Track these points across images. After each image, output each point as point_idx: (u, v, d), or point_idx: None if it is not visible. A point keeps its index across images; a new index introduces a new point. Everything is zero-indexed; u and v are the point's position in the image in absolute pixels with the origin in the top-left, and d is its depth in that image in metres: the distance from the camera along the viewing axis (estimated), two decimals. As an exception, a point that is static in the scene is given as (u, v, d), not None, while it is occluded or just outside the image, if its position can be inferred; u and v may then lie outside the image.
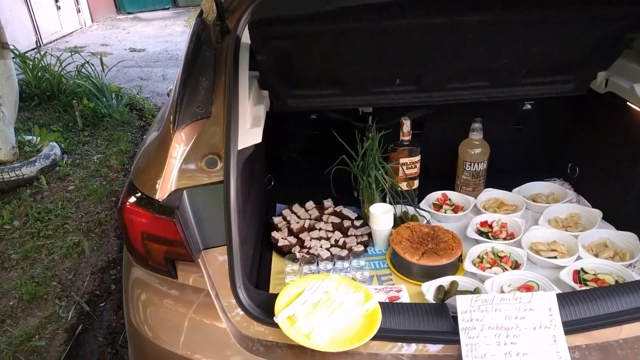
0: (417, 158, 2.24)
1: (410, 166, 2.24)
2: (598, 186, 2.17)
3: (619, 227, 2.01)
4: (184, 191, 1.47)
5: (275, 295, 1.52)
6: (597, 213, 2.08)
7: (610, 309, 1.47)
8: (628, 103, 1.87)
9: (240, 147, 1.56)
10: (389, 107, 2.18)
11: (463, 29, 1.74)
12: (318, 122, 2.46)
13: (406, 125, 2.15)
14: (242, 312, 1.46)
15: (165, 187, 1.47)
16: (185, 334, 1.47)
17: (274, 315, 1.44)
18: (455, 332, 1.43)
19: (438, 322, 1.47)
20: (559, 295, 1.47)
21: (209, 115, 1.57)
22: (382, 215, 2.00)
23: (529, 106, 2.28)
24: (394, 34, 1.76)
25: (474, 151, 2.27)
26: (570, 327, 1.43)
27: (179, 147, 1.52)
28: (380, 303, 1.53)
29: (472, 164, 2.29)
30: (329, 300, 1.53)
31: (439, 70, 1.93)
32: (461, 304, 1.44)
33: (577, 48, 1.83)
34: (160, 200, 1.45)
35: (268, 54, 1.78)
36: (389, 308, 1.52)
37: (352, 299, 1.53)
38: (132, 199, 1.48)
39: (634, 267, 1.83)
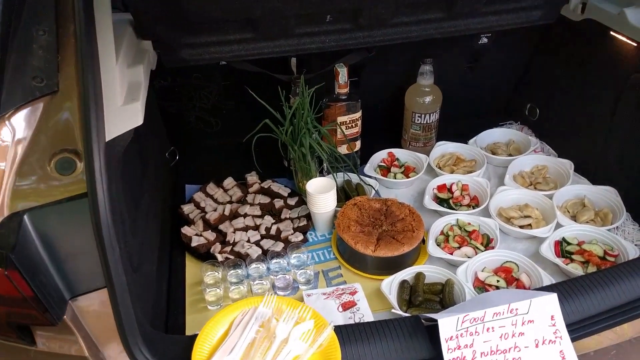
0: (358, 114, 1.80)
1: (350, 125, 1.80)
2: (566, 132, 1.87)
3: (593, 181, 1.74)
4: (25, 216, 0.95)
5: (192, 340, 1.08)
6: (568, 164, 1.79)
7: (617, 300, 1.18)
8: (612, 33, 1.52)
9: (110, 137, 1.04)
10: (318, 53, 1.69)
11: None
12: (230, 70, 1.91)
13: (342, 74, 1.68)
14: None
15: (-10, 214, 0.93)
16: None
17: (190, 377, 1.01)
18: (439, 357, 1.09)
19: (414, 346, 1.12)
20: (558, 293, 1.15)
21: (55, 90, 1.03)
22: (322, 195, 1.57)
23: (485, 40, 1.88)
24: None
25: (424, 99, 1.87)
26: (576, 334, 1.14)
27: (10, 146, 0.97)
28: (336, 329, 1.14)
29: (423, 115, 1.89)
30: (267, 338, 1.11)
31: (384, 1, 1.45)
32: (444, 329, 1.08)
33: None
34: None
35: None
36: (349, 334, 1.14)
37: (298, 331, 1.12)
38: None
39: (618, 228, 1.57)
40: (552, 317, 1.13)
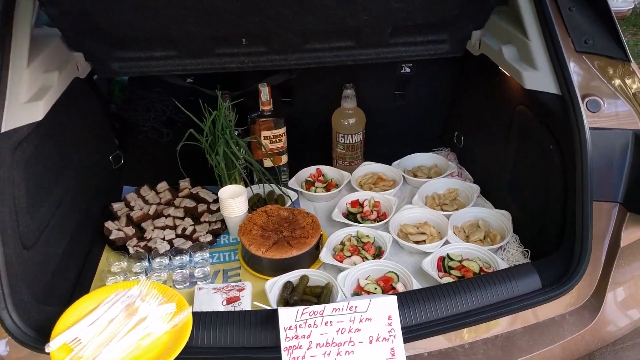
0: (282, 130, 1.95)
1: (274, 140, 1.95)
2: (478, 158, 1.98)
3: (496, 205, 1.84)
4: None
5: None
6: (475, 189, 1.90)
7: (454, 310, 1.28)
8: (500, 67, 1.64)
9: (7, 128, 1.22)
10: (249, 72, 1.86)
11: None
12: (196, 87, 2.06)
13: (264, 92, 1.85)
14: (7, 339, 1.16)
15: None
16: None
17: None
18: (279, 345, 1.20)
19: (262, 335, 1.23)
20: (400, 298, 1.26)
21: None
22: (230, 200, 1.71)
23: (407, 69, 2.03)
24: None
25: (348, 121, 2.01)
26: (411, 334, 1.24)
27: None
28: (196, 314, 1.27)
29: (346, 136, 2.03)
30: (130, 315, 1.24)
31: (289, 28, 1.62)
32: (284, 318, 1.20)
33: (442, 3, 1.57)
34: None
35: (59, 6, 1.40)
36: (206, 319, 1.26)
37: (159, 311, 1.25)
38: None
39: (504, 249, 1.66)
40: (389, 317, 1.23)
